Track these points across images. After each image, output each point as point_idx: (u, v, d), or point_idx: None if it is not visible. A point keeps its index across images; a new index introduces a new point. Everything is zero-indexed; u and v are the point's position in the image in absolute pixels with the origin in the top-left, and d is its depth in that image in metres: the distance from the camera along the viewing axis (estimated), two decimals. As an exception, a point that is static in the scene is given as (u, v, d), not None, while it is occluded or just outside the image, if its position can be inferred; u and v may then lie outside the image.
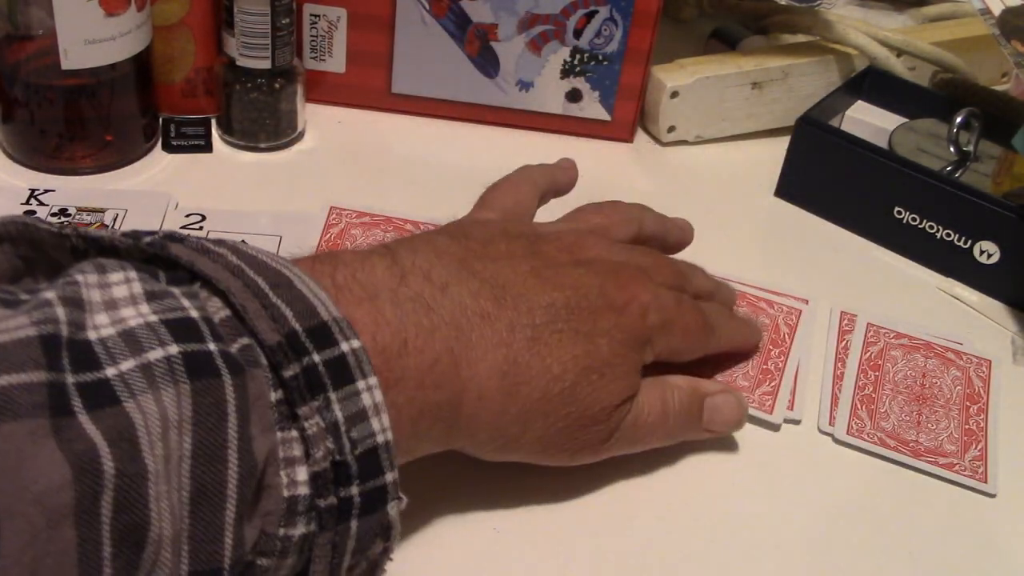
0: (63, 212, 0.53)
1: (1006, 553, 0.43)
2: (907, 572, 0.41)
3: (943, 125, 0.63)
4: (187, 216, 0.54)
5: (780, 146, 0.62)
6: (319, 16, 0.61)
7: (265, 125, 0.59)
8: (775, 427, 0.47)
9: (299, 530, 0.30)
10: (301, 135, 0.61)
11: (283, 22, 0.57)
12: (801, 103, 0.65)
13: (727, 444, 0.46)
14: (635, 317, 0.41)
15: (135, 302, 0.29)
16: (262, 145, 0.60)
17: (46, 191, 0.54)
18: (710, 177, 0.64)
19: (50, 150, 0.55)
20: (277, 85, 0.58)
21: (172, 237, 0.32)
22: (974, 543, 0.43)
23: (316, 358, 0.30)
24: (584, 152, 0.64)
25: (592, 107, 0.64)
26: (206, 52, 0.59)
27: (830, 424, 0.47)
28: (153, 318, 0.29)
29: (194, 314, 0.30)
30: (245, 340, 0.30)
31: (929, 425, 0.47)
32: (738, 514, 0.43)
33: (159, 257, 0.32)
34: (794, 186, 0.62)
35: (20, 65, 0.54)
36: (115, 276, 0.30)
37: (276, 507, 0.30)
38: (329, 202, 0.55)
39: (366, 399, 0.31)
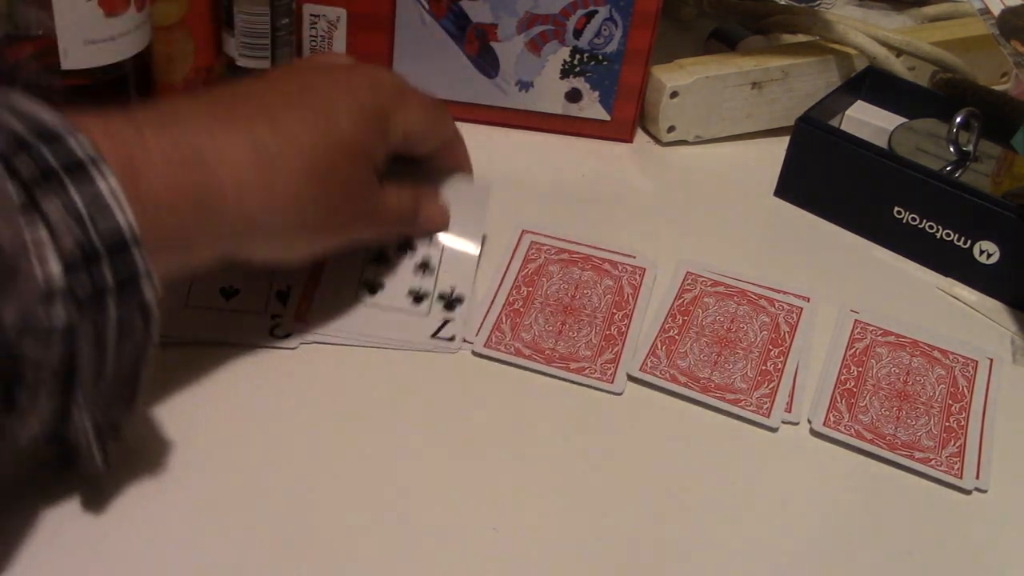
0: (63, 212, 0.53)
1: (1000, 552, 0.43)
2: (899, 570, 0.42)
3: (943, 125, 0.63)
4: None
5: (780, 146, 0.62)
6: (319, 16, 0.61)
7: (265, 125, 0.59)
8: (773, 429, 0.47)
9: (59, 312, 0.32)
10: (301, 135, 0.61)
11: (283, 22, 0.57)
12: (801, 103, 0.65)
13: (724, 443, 0.46)
14: (367, 91, 0.45)
15: None
16: (262, 145, 0.60)
17: (46, 191, 0.54)
18: (710, 177, 0.64)
19: (50, 150, 0.55)
20: (277, 85, 0.58)
21: None
22: (966, 542, 0.43)
23: (44, 150, 0.33)
24: (584, 152, 0.64)
25: (592, 107, 0.64)
26: (206, 52, 0.59)
27: (809, 416, 0.47)
28: None
29: None
30: None
31: (908, 421, 0.47)
32: (734, 513, 0.43)
33: None
34: (794, 186, 0.62)
35: (20, 65, 0.54)
36: None
37: (33, 288, 0.31)
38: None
39: (102, 185, 0.33)
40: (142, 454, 0.41)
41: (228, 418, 0.43)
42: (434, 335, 0.48)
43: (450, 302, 0.49)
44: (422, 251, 0.51)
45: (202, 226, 0.38)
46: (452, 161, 0.52)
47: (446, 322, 0.48)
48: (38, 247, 0.32)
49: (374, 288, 0.49)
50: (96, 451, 0.36)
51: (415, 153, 0.48)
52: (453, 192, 0.52)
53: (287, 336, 0.47)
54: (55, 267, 0.32)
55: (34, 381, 0.33)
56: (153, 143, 0.37)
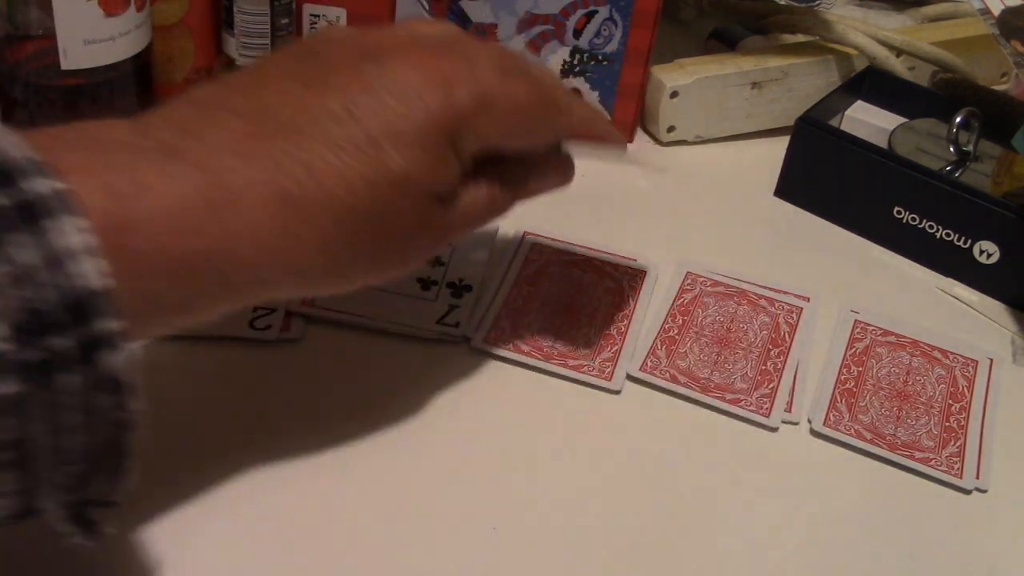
0: (63, 212, 0.53)
1: (998, 551, 0.43)
2: (899, 570, 0.42)
3: (943, 125, 0.63)
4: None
5: (780, 146, 0.62)
6: (319, 16, 0.61)
7: (265, 125, 0.59)
8: (773, 429, 0.47)
9: (7, 388, 0.27)
10: (301, 135, 0.61)
11: (282, 22, 0.57)
12: (801, 103, 0.65)
13: (724, 443, 0.46)
14: (437, 94, 0.35)
15: None
16: (262, 145, 0.60)
17: (46, 191, 0.54)
18: (710, 177, 0.64)
19: (50, 150, 0.55)
20: (277, 85, 0.58)
21: None
22: (967, 542, 0.43)
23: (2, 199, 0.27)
24: (584, 152, 0.64)
25: (592, 107, 0.64)
26: (205, 52, 0.59)
27: (809, 416, 0.47)
28: None
29: None
30: None
31: (908, 421, 0.47)
32: (734, 513, 0.43)
33: None
34: (794, 186, 0.62)
35: (20, 65, 0.54)
36: None
37: None
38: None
39: (69, 241, 0.27)
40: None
41: (217, 419, 0.43)
42: (440, 321, 0.48)
43: (458, 289, 0.50)
44: None
45: (204, 291, 0.33)
46: (585, 140, 0.42)
47: (452, 308, 0.49)
48: None
49: None
50: (69, 528, 0.31)
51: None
52: None
53: (267, 328, 0.47)
54: (4, 336, 0.27)
55: None
56: (155, 194, 0.31)
